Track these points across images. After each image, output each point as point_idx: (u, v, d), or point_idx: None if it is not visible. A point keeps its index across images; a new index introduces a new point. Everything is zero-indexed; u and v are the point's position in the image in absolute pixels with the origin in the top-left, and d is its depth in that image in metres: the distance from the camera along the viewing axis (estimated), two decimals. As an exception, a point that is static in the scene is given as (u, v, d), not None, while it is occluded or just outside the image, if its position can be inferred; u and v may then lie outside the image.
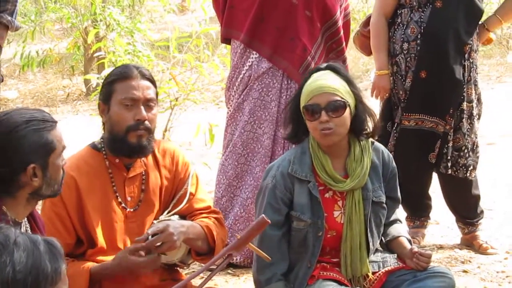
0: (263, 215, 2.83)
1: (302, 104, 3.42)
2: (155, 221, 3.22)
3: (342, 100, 3.38)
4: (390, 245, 3.57)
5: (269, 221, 2.80)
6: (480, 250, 4.81)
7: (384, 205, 3.52)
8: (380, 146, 3.59)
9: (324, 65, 3.52)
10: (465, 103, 4.71)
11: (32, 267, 1.93)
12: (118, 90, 3.17)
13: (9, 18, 5.55)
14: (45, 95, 12.02)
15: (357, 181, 3.41)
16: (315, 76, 3.44)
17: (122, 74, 3.19)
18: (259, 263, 3.42)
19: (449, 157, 4.72)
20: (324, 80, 3.39)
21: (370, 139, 3.53)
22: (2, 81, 5.77)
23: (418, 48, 4.63)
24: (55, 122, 2.69)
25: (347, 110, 3.38)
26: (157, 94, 3.28)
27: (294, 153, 3.49)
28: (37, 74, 13.06)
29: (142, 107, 3.16)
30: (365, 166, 3.44)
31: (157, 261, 3.08)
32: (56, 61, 11.93)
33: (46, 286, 1.94)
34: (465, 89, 4.70)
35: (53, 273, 1.96)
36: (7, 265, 1.90)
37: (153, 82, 3.25)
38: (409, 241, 3.56)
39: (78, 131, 8.51)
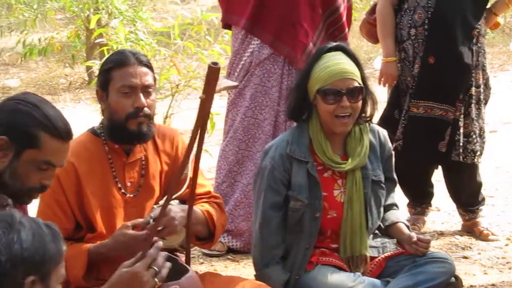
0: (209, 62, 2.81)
1: (316, 86, 3.36)
2: (155, 206, 3.19)
3: (360, 85, 3.37)
4: (388, 231, 3.55)
5: (218, 66, 2.77)
6: (481, 236, 4.80)
7: (383, 184, 3.50)
8: (376, 127, 3.58)
9: (334, 45, 3.45)
10: (473, 88, 4.66)
11: (38, 246, 1.94)
12: (115, 78, 3.13)
13: None
14: (47, 83, 12.00)
15: (358, 161, 3.40)
16: (329, 57, 3.38)
17: (119, 61, 3.15)
18: (259, 245, 3.42)
19: (461, 144, 4.67)
20: (343, 64, 3.35)
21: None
22: None
23: (426, 33, 4.58)
24: None
25: None
26: (155, 79, 3.25)
27: (291, 134, 3.47)
28: (39, 63, 13.06)
29: (140, 94, 3.12)
30: (365, 146, 3.43)
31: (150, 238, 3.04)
32: (58, 50, 11.91)
33: (51, 266, 1.96)
34: (473, 74, 4.65)
35: (56, 253, 1.98)
36: (15, 242, 1.91)
37: (150, 67, 3.21)
38: (407, 227, 3.55)
39: (80, 118, 8.52)
